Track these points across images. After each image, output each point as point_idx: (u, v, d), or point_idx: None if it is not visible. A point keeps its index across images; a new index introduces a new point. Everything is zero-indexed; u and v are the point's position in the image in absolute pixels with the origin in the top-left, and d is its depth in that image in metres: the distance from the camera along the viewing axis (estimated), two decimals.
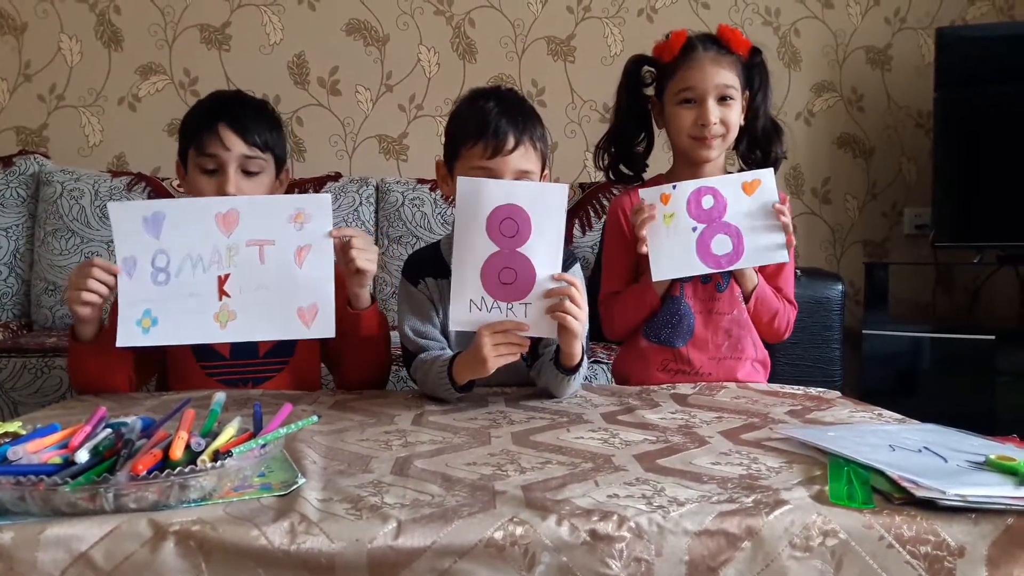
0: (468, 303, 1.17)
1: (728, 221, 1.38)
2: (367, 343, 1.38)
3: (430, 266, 1.41)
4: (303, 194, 1.38)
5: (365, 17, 2.77)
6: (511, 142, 1.28)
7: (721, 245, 1.38)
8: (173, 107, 2.72)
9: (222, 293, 1.23)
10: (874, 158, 2.89)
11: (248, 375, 1.44)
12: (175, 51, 2.75)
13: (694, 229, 1.37)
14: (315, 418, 0.89)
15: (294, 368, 1.47)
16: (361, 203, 2.47)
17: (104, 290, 1.23)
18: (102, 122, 2.74)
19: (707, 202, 1.38)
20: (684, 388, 1.39)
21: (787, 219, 1.38)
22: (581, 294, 1.20)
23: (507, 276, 1.12)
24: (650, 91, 1.52)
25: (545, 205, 1.16)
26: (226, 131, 1.36)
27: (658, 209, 1.38)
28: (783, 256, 1.40)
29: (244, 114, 1.41)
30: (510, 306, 1.17)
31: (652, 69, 1.51)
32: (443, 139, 1.40)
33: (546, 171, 1.38)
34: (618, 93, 1.55)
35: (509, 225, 1.15)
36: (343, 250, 1.29)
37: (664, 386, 1.42)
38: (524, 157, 1.30)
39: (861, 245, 2.89)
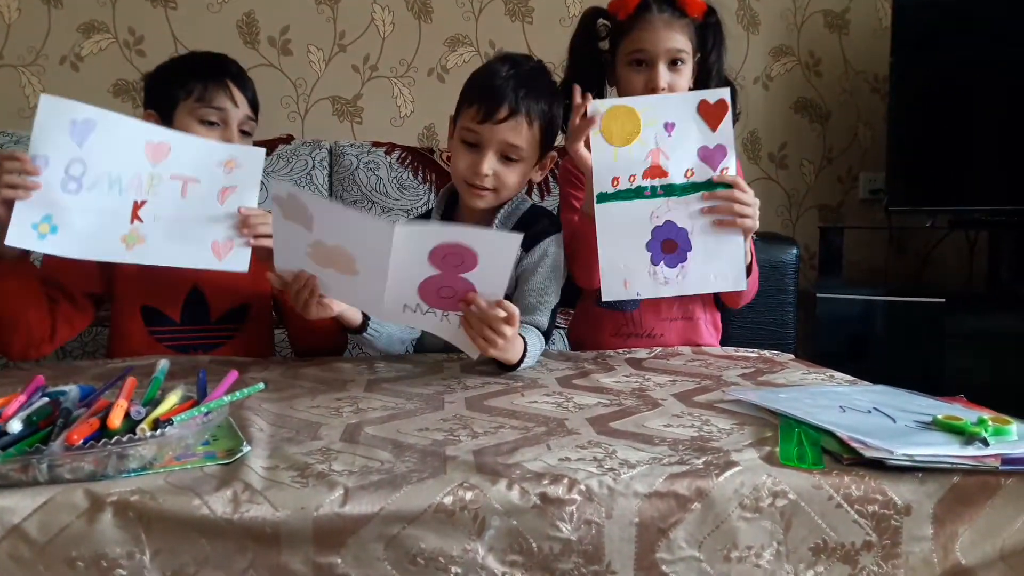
0: (402, 306, 1.14)
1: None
2: (316, 332, 1.36)
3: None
4: (238, 144, 1.33)
5: None
6: (504, 111, 1.27)
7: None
8: (117, 67, 2.62)
9: (135, 217, 1.20)
10: (831, 123, 2.90)
11: (198, 342, 1.41)
12: (119, 9, 2.64)
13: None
14: (261, 385, 0.87)
15: (246, 335, 1.44)
16: (314, 167, 2.41)
17: (18, 193, 1.12)
18: (43, 82, 2.63)
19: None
20: (640, 352, 1.40)
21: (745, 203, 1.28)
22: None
23: (446, 292, 1.10)
24: (605, 45, 1.50)
25: (496, 250, 1.06)
26: (235, 88, 1.37)
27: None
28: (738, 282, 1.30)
29: (244, 76, 1.42)
30: (446, 314, 1.14)
31: (607, 23, 1.48)
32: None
33: (552, 153, 1.37)
34: (571, 45, 1.52)
35: (453, 258, 1.06)
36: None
37: (620, 351, 1.42)
38: (514, 130, 1.27)
39: (817, 210, 2.91)
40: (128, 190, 1.20)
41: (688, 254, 1.28)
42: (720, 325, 1.56)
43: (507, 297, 1.14)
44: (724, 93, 1.26)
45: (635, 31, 1.40)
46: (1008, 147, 2.50)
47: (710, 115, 1.26)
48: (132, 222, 1.20)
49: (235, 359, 1.32)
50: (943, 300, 2.33)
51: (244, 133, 1.39)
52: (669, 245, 1.28)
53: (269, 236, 1.21)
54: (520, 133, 1.28)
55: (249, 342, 1.43)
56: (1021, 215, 2.44)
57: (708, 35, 1.45)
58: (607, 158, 1.27)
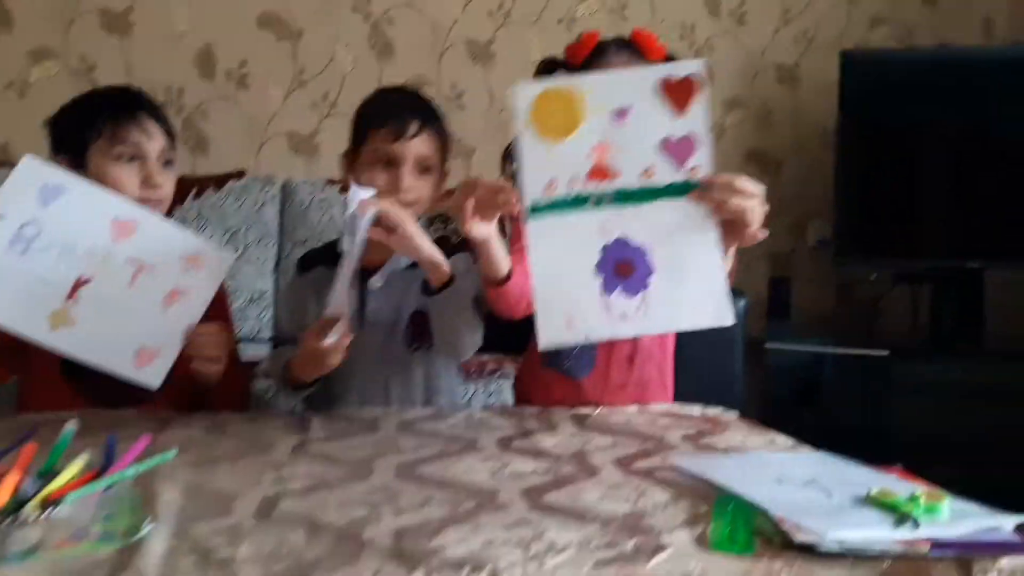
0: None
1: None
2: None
3: (324, 256, 1.39)
4: (209, 242, 1.30)
5: (278, 10, 2.66)
6: (414, 127, 1.30)
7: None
8: (66, 95, 2.56)
9: (72, 294, 1.15)
10: (781, 173, 2.95)
11: (121, 393, 1.34)
12: (72, 35, 2.59)
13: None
14: (171, 454, 0.83)
15: (177, 387, 1.38)
16: (265, 203, 2.37)
17: None
18: None
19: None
20: (585, 410, 1.37)
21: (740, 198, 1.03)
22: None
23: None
24: None
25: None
26: (147, 120, 1.33)
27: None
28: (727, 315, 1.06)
29: (155, 106, 1.38)
30: None
31: (565, 71, 1.47)
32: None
33: (447, 165, 1.40)
34: None
35: None
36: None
37: (566, 408, 1.39)
38: (425, 143, 1.32)
39: (767, 258, 2.95)
40: (77, 263, 1.15)
41: (650, 279, 1.03)
42: (671, 385, 1.53)
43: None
44: (695, 66, 1.00)
45: None
46: (951, 203, 2.57)
47: (676, 96, 0.98)
48: (68, 299, 1.15)
49: (159, 414, 1.26)
50: (887, 352, 2.36)
51: (166, 164, 1.35)
52: (624, 268, 1.03)
53: (213, 360, 1.23)
54: (431, 145, 1.33)
55: (180, 394, 1.37)
56: (963, 270, 2.49)
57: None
58: (539, 156, 1.00)
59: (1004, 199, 2.49)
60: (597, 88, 1.01)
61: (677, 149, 1.00)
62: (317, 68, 2.69)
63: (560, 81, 1.05)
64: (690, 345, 2.13)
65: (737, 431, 1.24)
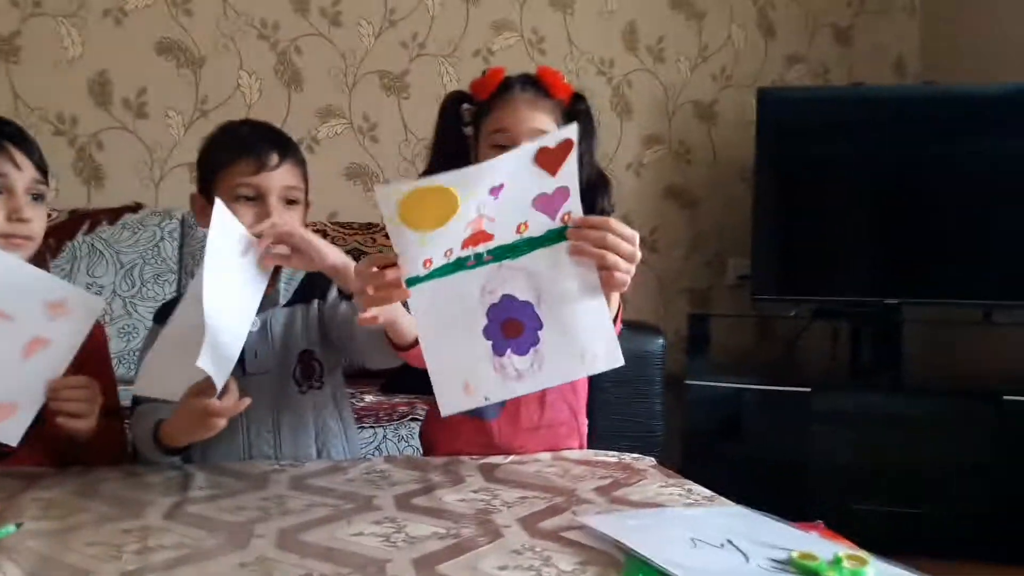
0: None
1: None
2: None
3: None
4: (77, 288, 1.18)
5: (179, 36, 2.55)
6: (274, 158, 1.23)
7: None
8: None
9: None
10: (700, 209, 2.96)
11: None
12: None
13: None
14: (10, 529, 0.71)
15: (42, 439, 1.24)
16: (163, 238, 2.24)
17: None
18: None
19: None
20: (496, 459, 1.29)
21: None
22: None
23: None
24: (470, 131, 1.42)
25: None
26: (15, 151, 1.21)
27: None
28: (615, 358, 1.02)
29: (25, 136, 1.26)
30: None
31: (471, 107, 1.41)
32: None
33: (310, 196, 1.33)
34: (435, 132, 1.44)
35: None
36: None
37: (475, 456, 1.31)
38: (290, 172, 1.26)
39: (687, 293, 2.94)
40: None
41: (539, 333, 0.99)
42: (584, 425, 1.47)
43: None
44: (569, 131, 0.96)
45: (496, 111, 1.33)
46: (869, 240, 2.61)
47: (549, 161, 0.96)
48: None
49: (27, 469, 1.14)
50: (808, 389, 2.36)
51: (36, 197, 1.24)
52: (512, 327, 0.99)
53: (79, 416, 1.11)
54: (296, 175, 1.27)
55: (48, 444, 1.23)
56: (879, 307, 2.52)
57: (578, 123, 1.39)
58: (412, 243, 0.93)
59: (921, 236, 2.54)
60: (471, 179, 0.94)
61: (549, 202, 0.97)
62: (221, 97, 2.57)
63: (428, 180, 0.93)
64: (609, 384, 2.10)
65: (653, 480, 1.17)
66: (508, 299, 0.99)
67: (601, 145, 1.45)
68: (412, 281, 0.96)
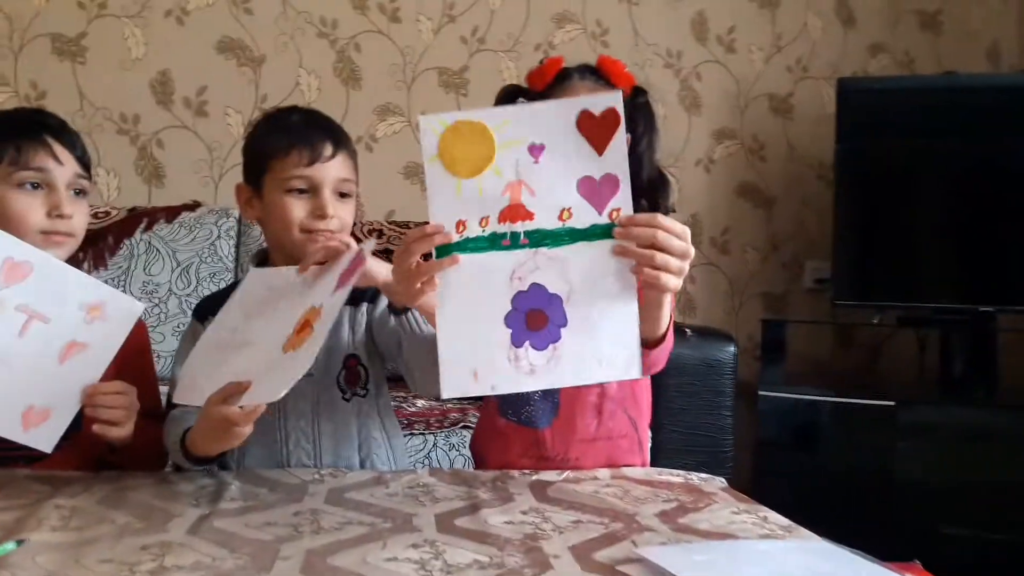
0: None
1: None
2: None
3: (222, 303, 1.20)
4: (116, 290, 1.14)
5: (239, 35, 2.53)
6: (328, 149, 1.17)
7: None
8: None
9: None
10: (775, 209, 2.80)
11: (18, 450, 1.17)
12: (21, 61, 2.45)
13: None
14: (10, 547, 0.65)
15: (80, 443, 1.20)
16: (220, 236, 2.21)
17: None
18: None
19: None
20: (549, 475, 1.19)
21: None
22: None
23: None
24: None
25: None
26: (56, 145, 1.18)
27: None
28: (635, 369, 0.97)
29: (68, 130, 1.23)
30: None
31: (528, 100, 1.33)
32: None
33: (365, 194, 1.32)
34: None
35: None
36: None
37: (526, 471, 1.21)
38: (343, 165, 1.20)
39: (760, 298, 2.78)
40: None
41: (562, 331, 0.95)
42: (647, 439, 1.36)
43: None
44: (614, 99, 0.92)
45: None
46: (959, 241, 2.42)
47: (595, 132, 0.92)
48: None
49: (58, 474, 1.10)
50: (893, 403, 2.18)
51: (79, 193, 1.21)
52: (536, 319, 0.95)
53: (116, 423, 1.07)
54: (348, 167, 1.21)
55: (84, 451, 1.19)
56: (972, 314, 2.33)
57: (638, 118, 1.28)
58: (447, 192, 0.92)
59: (1017, 237, 2.33)
60: (510, 122, 0.93)
61: (597, 190, 0.93)
62: (280, 96, 2.54)
63: (469, 114, 0.94)
64: (676, 394, 1.98)
65: (723, 505, 1.06)
66: (537, 289, 0.95)
67: (666, 142, 1.34)
68: (441, 249, 0.94)
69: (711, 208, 2.75)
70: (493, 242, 0.94)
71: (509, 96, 1.33)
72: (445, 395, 0.98)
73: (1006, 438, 2.13)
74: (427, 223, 0.95)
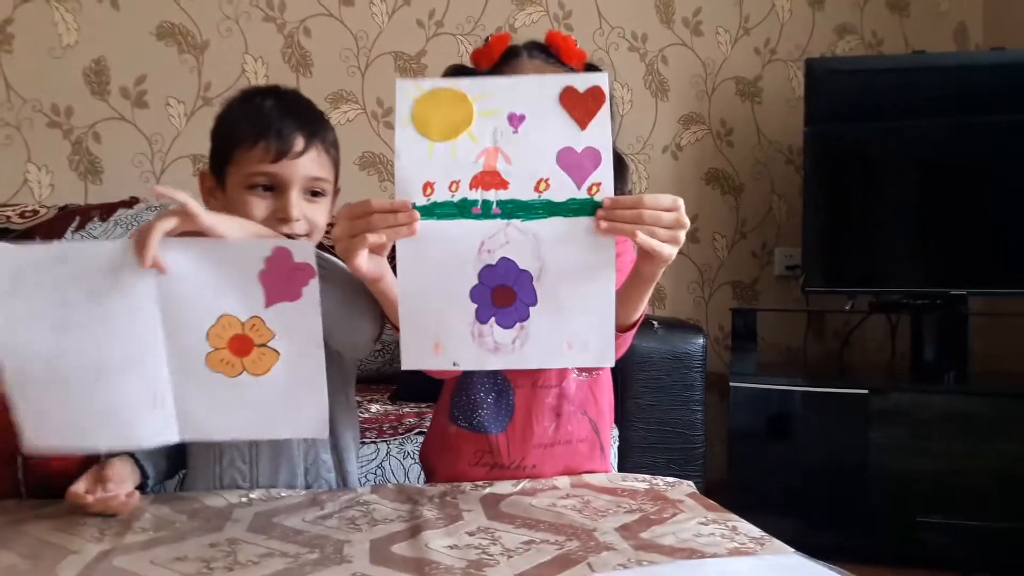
0: None
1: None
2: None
3: None
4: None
5: (180, 20, 2.39)
6: (299, 143, 1.05)
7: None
8: None
9: None
10: (744, 195, 2.72)
11: None
12: None
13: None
14: None
15: None
16: None
17: None
18: None
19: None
20: (503, 486, 1.09)
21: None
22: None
23: None
24: None
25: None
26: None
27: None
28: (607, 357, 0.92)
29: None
30: None
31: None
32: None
33: (338, 184, 1.15)
34: None
35: None
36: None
37: (480, 483, 1.11)
38: (316, 162, 1.07)
39: (730, 286, 2.71)
40: None
41: (531, 310, 0.90)
42: (609, 442, 1.27)
43: None
44: (600, 79, 0.88)
45: None
46: (928, 226, 2.36)
47: (579, 108, 0.88)
48: None
49: None
50: (866, 391, 2.12)
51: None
52: (503, 295, 0.90)
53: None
54: (322, 164, 1.08)
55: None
56: (943, 298, 2.27)
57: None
58: (417, 153, 0.86)
59: (989, 219, 2.28)
60: (490, 92, 0.88)
61: (577, 163, 0.87)
62: (225, 84, 2.41)
63: (449, 81, 0.89)
64: (643, 390, 1.89)
65: (690, 514, 0.97)
66: (507, 264, 0.89)
67: (633, 128, 1.25)
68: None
69: (678, 195, 2.64)
70: (463, 209, 0.87)
71: (453, 74, 1.23)
72: (405, 366, 0.92)
73: (979, 423, 2.07)
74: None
